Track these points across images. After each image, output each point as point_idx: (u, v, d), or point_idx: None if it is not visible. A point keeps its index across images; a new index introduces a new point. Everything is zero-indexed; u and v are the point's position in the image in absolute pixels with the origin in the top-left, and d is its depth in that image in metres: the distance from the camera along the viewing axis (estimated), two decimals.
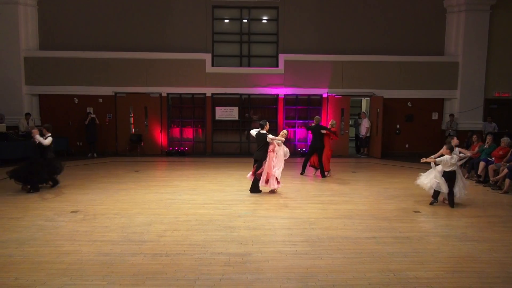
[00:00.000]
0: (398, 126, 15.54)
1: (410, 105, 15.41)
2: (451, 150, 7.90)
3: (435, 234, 6.28)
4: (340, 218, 7.06)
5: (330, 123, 11.45)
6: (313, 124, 11.16)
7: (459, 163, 8.31)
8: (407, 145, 15.59)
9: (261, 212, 7.41)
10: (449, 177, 7.81)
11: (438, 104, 15.59)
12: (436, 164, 8.01)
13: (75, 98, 14.97)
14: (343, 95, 15.23)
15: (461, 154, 8.29)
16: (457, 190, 7.86)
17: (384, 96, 14.91)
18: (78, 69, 14.78)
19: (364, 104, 17.56)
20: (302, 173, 11.21)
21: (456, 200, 7.91)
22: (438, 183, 7.81)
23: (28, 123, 13.84)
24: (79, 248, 5.55)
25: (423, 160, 8.36)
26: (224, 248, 5.57)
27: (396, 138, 15.52)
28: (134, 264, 5.02)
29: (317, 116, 11.43)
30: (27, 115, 14.02)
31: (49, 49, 14.90)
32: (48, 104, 15.05)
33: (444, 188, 7.80)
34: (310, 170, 11.28)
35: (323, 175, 10.85)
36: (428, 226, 6.67)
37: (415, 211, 7.56)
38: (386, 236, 6.14)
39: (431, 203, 7.98)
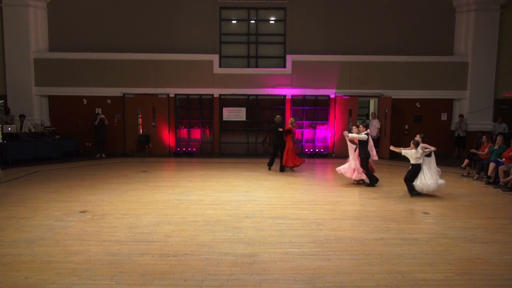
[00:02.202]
0: (406, 126, 15.43)
1: (419, 106, 15.30)
2: (416, 145, 8.76)
3: (444, 235, 6.22)
4: (348, 219, 7.02)
5: (289, 121, 12.06)
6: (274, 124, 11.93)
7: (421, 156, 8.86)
8: None
9: (268, 213, 7.40)
10: (415, 169, 8.74)
11: (447, 105, 15.45)
12: (402, 155, 8.93)
13: (84, 99, 15.10)
14: (351, 95, 15.17)
15: (426, 150, 8.85)
16: (432, 182, 8.55)
17: (393, 97, 14.82)
18: (87, 70, 14.92)
19: (372, 104, 17.46)
20: (269, 168, 11.96)
21: (437, 190, 8.74)
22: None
23: (22, 124, 13.61)
24: (87, 248, 5.59)
25: (392, 147, 9.39)
26: (232, 249, 5.57)
27: (405, 139, 15.37)
28: (142, 264, 5.04)
29: (278, 116, 12.16)
30: (22, 116, 13.79)
31: (58, 51, 15.07)
32: (57, 105, 15.21)
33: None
34: (318, 171, 11.24)
35: (282, 169, 11.59)
36: (437, 228, 6.61)
37: (423, 213, 7.49)
38: (394, 237, 6.10)
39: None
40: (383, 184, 10.10)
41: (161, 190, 9.26)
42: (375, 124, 14.94)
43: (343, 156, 13.41)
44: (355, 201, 8.38)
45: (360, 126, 9.93)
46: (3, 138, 13.35)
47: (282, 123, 12.18)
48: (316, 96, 15.23)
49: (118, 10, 15.20)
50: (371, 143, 9.93)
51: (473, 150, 11.37)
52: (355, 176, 9.89)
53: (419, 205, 8.05)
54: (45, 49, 15.12)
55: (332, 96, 15.20)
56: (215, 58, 15.12)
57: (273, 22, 15.87)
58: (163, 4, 15.25)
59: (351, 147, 10.06)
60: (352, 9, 15.38)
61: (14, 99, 14.63)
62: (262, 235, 6.14)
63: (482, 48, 14.80)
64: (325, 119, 15.33)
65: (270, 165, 12.03)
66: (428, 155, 8.87)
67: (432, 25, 15.33)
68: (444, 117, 15.50)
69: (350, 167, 9.94)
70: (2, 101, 15.57)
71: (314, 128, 15.36)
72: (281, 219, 6.98)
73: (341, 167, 10.08)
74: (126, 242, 5.79)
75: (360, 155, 9.71)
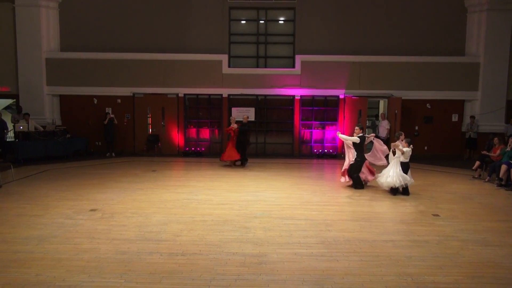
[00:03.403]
0: (416, 127, 15.30)
1: (429, 107, 15.16)
2: (409, 144, 9.03)
3: (455, 238, 6.15)
4: (357, 221, 6.99)
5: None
6: (246, 123, 12.78)
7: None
8: (425, 147, 15.33)
9: (277, 213, 7.39)
10: (407, 167, 8.93)
11: (459, 106, 15.29)
12: (402, 153, 8.91)
13: (94, 99, 15.24)
14: (360, 96, 15.09)
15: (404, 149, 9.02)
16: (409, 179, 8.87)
17: (403, 97, 14.71)
18: (98, 70, 15.06)
19: (382, 105, 17.35)
20: (244, 164, 12.58)
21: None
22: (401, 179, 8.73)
23: (28, 123, 13.54)
24: (97, 246, 5.64)
25: (394, 145, 9.14)
26: (240, 249, 5.58)
27: (415, 140, 15.23)
28: (151, 263, 5.07)
29: (245, 115, 13.09)
30: (26, 115, 13.75)
31: (69, 51, 15.23)
32: (68, 104, 15.38)
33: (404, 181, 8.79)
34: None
35: (245, 164, 12.56)
36: (447, 230, 6.54)
37: (433, 215, 7.42)
38: (404, 239, 6.05)
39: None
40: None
41: (170, 189, 9.30)
42: (384, 125, 14.83)
43: None
44: (364, 202, 8.33)
45: (356, 128, 9.70)
46: (15, 137, 13.53)
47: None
48: (325, 96, 15.17)
49: (128, 10, 15.31)
50: (378, 146, 9.72)
51: (484, 152, 11.23)
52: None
53: (429, 207, 7.97)
54: (56, 49, 15.29)
55: (341, 96, 15.13)
56: (224, 58, 15.15)
57: (282, 22, 15.85)
58: (173, 5, 15.33)
59: (348, 150, 9.77)
60: (361, 9, 15.30)
61: (26, 99, 14.82)
62: (271, 236, 6.14)
63: (494, 49, 14.62)
64: (334, 119, 15.27)
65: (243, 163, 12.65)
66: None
67: (443, 25, 15.18)
68: (455, 118, 15.33)
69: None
70: (14, 100, 15.79)
71: (323, 128, 15.31)
72: (289, 220, 6.97)
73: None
74: (135, 241, 5.83)
75: (355, 158, 9.49)
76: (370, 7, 15.28)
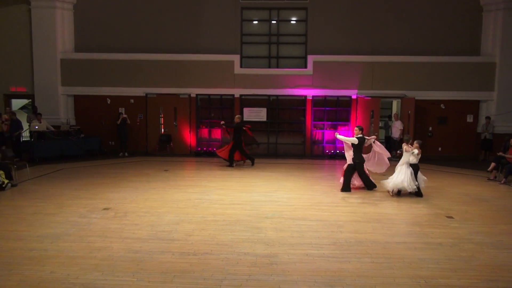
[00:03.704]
0: (430, 128, 15.12)
1: (444, 107, 14.96)
2: (420, 145, 8.86)
3: (469, 240, 6.05)
4: (369, 222, 6.93)
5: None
6: (237, 122, 12.64)
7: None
8: (439, 148, 15.13)
9: (288, 213, 7.37)
10: (416, 169, 8.79)
11: (474, 106, 15.05)
12: (413, 153, 8.76)
13: (107, 99, 15.42)
14: (373, 96, 14.97)
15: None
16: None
17: (416, 98, 14.55)
18: (111, 71, 15.23)
19: (395, 105, 17.18)
20: (231, 165, 12.45)
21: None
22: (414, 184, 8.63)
23: (40, 123, 13.73)
24: (110, 244, 5.70)
25: (407, 148, 8.93)
26: (251, 249, 5.58)
27: (428, 141, 15.08)
28: (163, 262, 5.11)
29: (238, 115, 12.97)
30: (38, 114, 13.96)
31: (83, 51, 15.44)
32: (82, 104, 15.59)
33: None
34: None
35: (231, 165, 12.41)
36: (462, 232, 6.44)
37: (447, 216, 7.32)
38: (417, 241, 5.97)
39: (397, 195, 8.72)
40: None
41: (182, 189, 9.36)
42: (397, 125, 14.68)
43: None
44: (376, 203, 8.26)
45: (355, 128, 9.51)
46: (30, 136, 13.77)
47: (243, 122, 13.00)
48: (337, 96, 15.09)
49: (141, 11, 15.45)
50: (378, 150, 9.50)
51: (500, 153, 11.02)
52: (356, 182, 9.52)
53: (443, 209, 7.86)
54: (71, 50, 15.51)
55: (354, 97, 15.03)
56: (236, 58, 15.18)
57: (294, 22, 15.81)
58: (186, 5, 15.42)
59: (347, 150, 9.59)
60: (374, 9, 15.18)
61: (41, 99, 15.07)
62: (282, 236, 6.12)
63: (510, 48, 14.35)
64: (346, 120, 15.17)
65: (231, 163, 12.57)
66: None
67: (458, 24, 14.97)
68: (470, 119, 15.10)
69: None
70: (30, 100, 16.07)
71: (335, 129, 15.22)
72: (301, 220, 6.95)
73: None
74: (148, 240, 5.88)
75: (354, 160, 9.23)
76: (383, 6, 15.14)
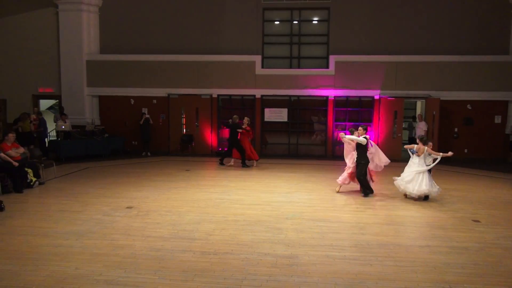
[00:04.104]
0: (456, 129, 14.74)
1: (470, 108, 14.56)
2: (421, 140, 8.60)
3: (496, 245, 5.86)
4: (392, 225, 6.81)
5: (245, 122, 12.75)
6: (229, 122, 12.72)
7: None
8: (466, 150, 14.73)
9: (309, 214, 7.33)
10: (429, 171, 8.57)
11: (502, 107, 14.59)
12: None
13: (131, 99, 15.70)
14: (397, 97, 14.71)
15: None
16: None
17: (441, 98, 14.21)
18: (135, 72, 15.51)
19: (419, 106, 16.83)
20: (221, 164, 12.70)
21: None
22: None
23: (65, 122, 14.12)
24: (132, 242, 5.80)
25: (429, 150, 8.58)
26: (271, 250, 5.57)
27: (454, 143, 14.72)
28: (184, 261, 5.16)
29: (235, 116, 12.84)
30: (63, 115, 14.39)
31: (108, 53, 15.77)
32: (106, 105, 15.93)
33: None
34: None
35: (244, 165, 12.41)
36: (489, 237, 6.25)
37: (473, 220, 7.11)
38: (442, 245, 5.83)
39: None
40: None
41: (202, 188, 9.43)
42: (421, 126, 14.37)
43: None
44: (399, 206, 8.11)
45: (360, 128, 9.08)
46: (57, 136, 14.17)
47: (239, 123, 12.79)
48: (359, 97, 14.90)
49: (164, 13, 15.67)
50: (375, 148, 9.11)
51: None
52: (341, 180, 9.15)
53: (469, 212, 7.65)
54: (96, 52, 15.87)
55: (377, 97, 14.81)
56: (257, 59, 15.20)
57: (316, 22, 15.71)
58: (207, 7, 15.54)
59: (348, 152, 9.25)
60: (397, 7, 14.92)
61: (67, 99, 15.48)
62: (303, 237, 6.09)
63: None
64: (368, 120, 14.96)
65: (221, 161, 12.82)
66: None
67: (485, 23, 14.54)
68: (497, 120, 14.64)
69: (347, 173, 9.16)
70: (57, 100, 16.53)
71: (357, 130, 14.99)
72: (321, 222, 6.89)
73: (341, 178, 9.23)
74: (169, 239, 5.95)
75: (358, 161, 8.79)
76: (407, 4, 14.86)
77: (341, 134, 9.34)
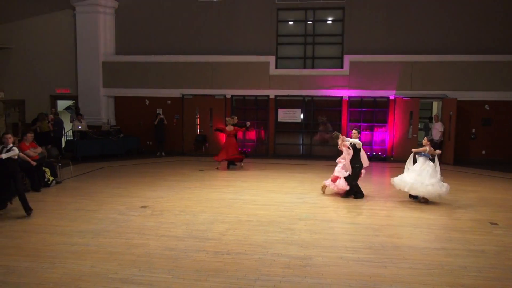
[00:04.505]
0: (473, 130, 14.46)
1: (488, 108, 14.27)
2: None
3: None
4: (406, 226, 6.72)
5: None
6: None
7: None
8: (483, 151, 14.45)
9: (322, 216, 7.29)
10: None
11: None
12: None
13: (146, 100, 15.86)
14: (412, 97, 14.51)
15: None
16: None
17: (458, 98, 13.96)
18: (150, 72, 15.67)
19: (436, 106, 16.58)
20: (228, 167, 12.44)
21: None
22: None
23: (80, 122, 14.28)
24: (147, 241, 5.86)
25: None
26: (285, 250, 5.56)
27: (471, 144, 14.45)
28: (197, 260, 5.19)
29: (234, 116, 12.82)
30: (79, 115, 14.59)
31: (124, 54, 15.96)
32: (122, 105, 16.12)
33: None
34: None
35: (233, 166, 12.35)
36: (507, 240, 6.11)
37: (491, 223, 6.97)
38: (458, 248, 5.73)
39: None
40: None
41: (216, 189, 9.47)
42: (438, 127, 14.15)
43: (402, 161, 12.87)
44: (414, 207, 8.00)
45: (354, 131, 8.87)
46: (73, 136, 14.42)
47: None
48: (374, 97, 14.75)
49: (178, 14, 15.78)
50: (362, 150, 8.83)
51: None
52: (328, 183, 8.92)
53: (486, 214, 7.50)
54: (112, 53, 16.08)
55: (392, 97, 14.63)
56: (271, 59, 15.19)
57: (330, 22, 15.61)
58: (222, 8, 15.59)
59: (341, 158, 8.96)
60: (413, 6, 14.70)
61: (84, 100, 15.73)
62: (316, 238, 6.06)
63: None
64: (383, 121, 14.81)
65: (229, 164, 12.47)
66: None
67: (504, 21, 14.22)
68: None
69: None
70: (74, 101, 16.81)
71: (372, 130, 14.89)
72: (335, 223, 6.85)
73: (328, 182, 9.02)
74: (183, 238, 5.99)
75: (353, 164, 8.56)
76: (423, 3, 14.64)
77: (336, 133, 9.11)
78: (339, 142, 8.85)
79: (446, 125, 14.07)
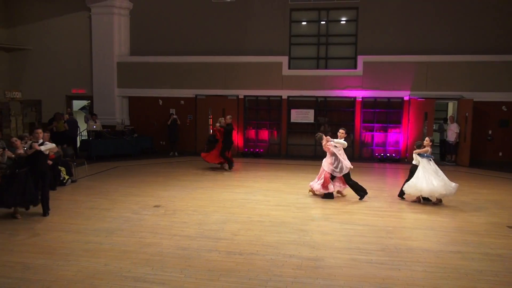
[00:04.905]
0: (490, 132, 14.20)
1: (505, 109, 13.99)
2: (417, 146, 8.51)
3: None
4: (421, 229, 6.63)
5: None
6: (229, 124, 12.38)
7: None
8: (500, 153, 14.16)
9: (335, 217, 7.24)
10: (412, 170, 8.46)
11: None
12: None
13: (159, 100, 15.99)
14: (427, 97, 14.32)
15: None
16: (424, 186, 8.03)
17: (474, 99, 13.71)
18: (163, 73, 15.79)
19: (451, 107, 16.33)
20: (231, 166, 12.19)
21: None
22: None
23: (95, 122, 14.57)
24: (160, 241, 5.90)
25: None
26: (297, 251, 5.54)
27: (488, 145, 14.18)
28: (210, 260, 5.21)
29: (230, 116, 12.71)
30: (94, 115, 14.89)
31: (138, 55, 16.12)
32: (136, 105, 16.28)
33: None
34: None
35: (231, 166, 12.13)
36: None
37: (509, 226, 6.83)
38: (474, 251, 5.63)
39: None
40: (462, 193, 9.36)
41: (228, 189, 9.49)
42: (453, 128, 13.93)
43: None
44: (428, 210, 7.88)
45: (342, 131, 8.78)
46: (88, 136, 14.62)
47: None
48: (388, 98, 14.60)
49: (192, 15, 15.86)
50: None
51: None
52: (316, 188, 8.74)
53: (504, 218, 7.35)
54: (126, 54, 16.26)
55: (406, 98, 14.46)
56: (284, 60, 15.16)
57: (344, 22, 15.51)
58: (235, 8, 15.63)
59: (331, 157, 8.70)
60: (428, 5, 14.50)
61: (99, 100, 15.94)
62: (328, 240, 6.03)
63: None
64: (397, 122, 14.64)
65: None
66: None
67: None
68: None
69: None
70: (89, 101, 17.04)
71: (386, 131, 14.74)
72: (348, 224, 6.80)
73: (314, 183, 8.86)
74: (195, 238, 6.02)
75: (341, 165, 8.47)
76: (438, 3, 14.43)
77: (320, 135, 8.95)
78: (323, 143, 8.79)
79: (461, 126, 13.84)
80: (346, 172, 8.57)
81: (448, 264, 5.16)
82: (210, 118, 15.91)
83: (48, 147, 7.15)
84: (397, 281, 4.66)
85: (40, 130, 7.21)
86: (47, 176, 7.24)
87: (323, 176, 8.65)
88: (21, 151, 7.01)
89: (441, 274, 4.87)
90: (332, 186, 8.61)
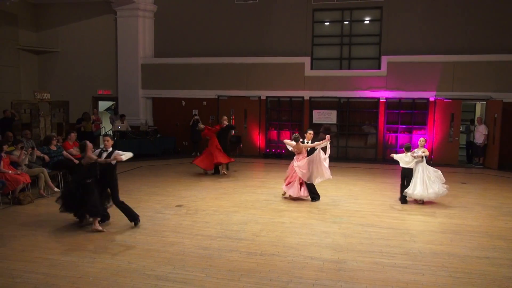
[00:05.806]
0: None
1: None
2: (406, 150, 8.41)
3: None
4: (446, 233, 6.47)
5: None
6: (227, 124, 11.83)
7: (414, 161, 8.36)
8: None
9: (357, 219, 7.15)
10: (406, 173, 8.34)
11: None
12: (394, 159, 8.58)
13: (182, 101, 16.19)
14: (454, 98, 13.95)
15: (414, 154, 8.33)
16: (431, 191, 8.05)
17: (504, 100, 13.27)
18: (186, 74, 15.98)
19: (479, 108, 15.86)
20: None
21: (435, 198, 8.19)
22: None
23: (122, 123, 14.85)
24: (182, 240, 5.98)
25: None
26: (318, 253, 5.50)
27: None
28: (230, 260, 5.23)
29: (225, 116, 12.11)
30: (122, 116, 15.18)
31: (162, 57, 16.38)
32: (159, 106, 16.54)
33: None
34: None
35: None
36: None
37: None
38: (502, 257, 5.45)
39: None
40: (490, 197, 9.09)
41: (250, 189, 9.51)
42: (481, 130, 13.51)
43: (441, 164, 12.43)
44: (453, 213, 7.68)
45: (311, 132, 8.75)
46: (113, 136, 14.94)
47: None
48: (413, 99, 14.30)
49: (215, 17, 15.99)
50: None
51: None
52: (303, 193, 8.50)
53: None
54: (150, 55, 16.54)
55: (432, 99, 14.13)
56: (306, 60, 15.08)
57: (368, 22, 15.30)
58: (257, 9, 15.66)
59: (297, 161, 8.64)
60: (454, 4, 14.12)
61: (124, 101, 16.28)
62: (350, 242, 5.96)
63: None
64: (422, 123, 14.33)
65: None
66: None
67: None
68: None
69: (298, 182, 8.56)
70: (114, 102, 17.43)
71: (410, 133, 14.45)
72: (370, 227, 6.70)
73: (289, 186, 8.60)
74: (217, 238, 6.06)
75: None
76: (465, 1, 14.04)
77: (292, 134, 8.91)
78: (293, 143, 8.73)
79: (490, 128, 13.42)
80: (317, 182, 8.45)
81: (474, 270, 5.01)
82: (232, 119, 15.98)
83: (129, 156, 6.73)
84: (421, 286, 4.56)
85: (108, 138, 6.74)
86: (115, 185, 6.72)
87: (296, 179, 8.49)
88: (94, 157, 6.54)
89: (467, 280, 4.74)
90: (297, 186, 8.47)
